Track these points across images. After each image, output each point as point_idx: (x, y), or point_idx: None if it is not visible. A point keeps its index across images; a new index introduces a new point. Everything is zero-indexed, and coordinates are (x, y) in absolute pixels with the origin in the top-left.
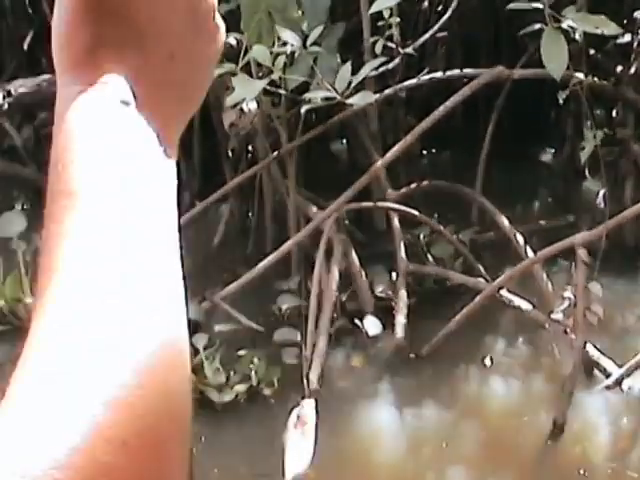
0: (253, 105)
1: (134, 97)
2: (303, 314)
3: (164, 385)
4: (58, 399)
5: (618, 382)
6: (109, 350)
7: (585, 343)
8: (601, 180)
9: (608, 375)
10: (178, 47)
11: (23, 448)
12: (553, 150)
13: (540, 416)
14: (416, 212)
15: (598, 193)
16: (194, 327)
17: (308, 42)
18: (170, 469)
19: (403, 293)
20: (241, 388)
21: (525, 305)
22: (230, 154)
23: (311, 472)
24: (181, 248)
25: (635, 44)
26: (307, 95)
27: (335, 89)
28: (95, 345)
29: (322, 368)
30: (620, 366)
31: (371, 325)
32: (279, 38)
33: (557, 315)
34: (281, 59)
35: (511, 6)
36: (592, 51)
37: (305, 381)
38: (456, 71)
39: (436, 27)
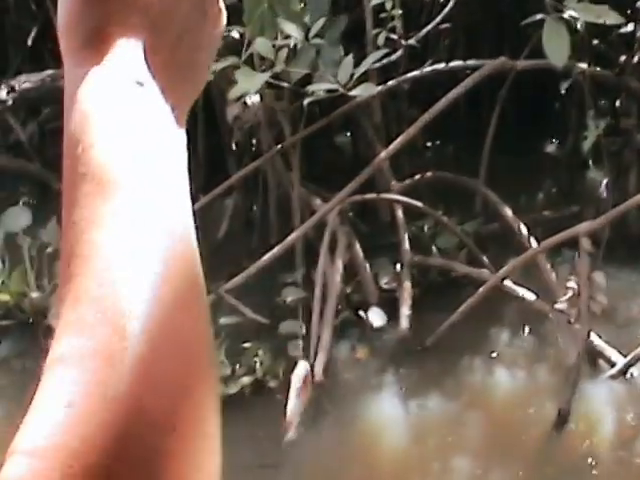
0: (256, 98)
1: (147, 77)
2: (308, 306)
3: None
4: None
5: (623, 372)
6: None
7: (589, 333)
8: (604, 170)
9: (613, 365)
10: (185, 28)
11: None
12: (557, 141)
13: (545, 406)
14: (420, 204)
15: (602, 183)
16: None
17: (310, 35)
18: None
19: (407, 285)
20: (246, 380)
21: (529, 295)
22: (234, 147)
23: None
24: None
25: (638, 33)
26: (310, 87)
27: (338, 81)
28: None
29: (327, 360)
30: (625, 355)
31: (376, 317)
32: (282, 31)
33: (561, 305)
34: (284, 52)
35: None
36: (595, 41)
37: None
38: (459, 62)
39: (438, 18)
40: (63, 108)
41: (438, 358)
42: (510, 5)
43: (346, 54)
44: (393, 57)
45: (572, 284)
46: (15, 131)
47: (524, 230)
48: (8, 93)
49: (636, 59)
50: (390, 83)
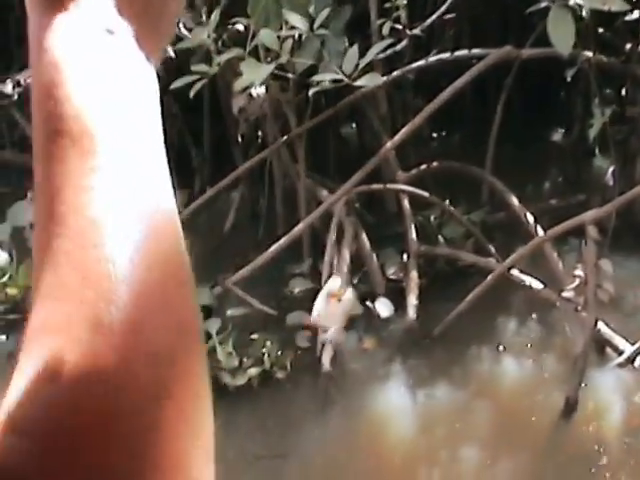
0: (262, 90)
1: (117, 25)
2: (315, 297)
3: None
4: None
5: (630, 359)
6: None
7: (596, 321)
8: (610, 158)
9: (620, 353)
10: None
11: None
12: (563, 129)
13: (552, 395)
14: (426, 193)
15: (608, 171)
16: (207, 312)
17: (315, 25)
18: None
19: (414, 274)
20: (254, 372)
21: (536, 284)
22: (240, 139)
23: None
24: (193, 234)
25: None
26: (315, 78)
27: (343, 72)
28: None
29: (334, 350)
30: (632, 343)
31: (383, 307)
32: (286, 22)
33: (568, 293)
34: (288, 43)
35: None
36: (601, 29)
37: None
38: (464, 52)
39: (443, 8)
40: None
41: (445, 348)
42: None
43: (351, 45)
44: (398, 47)
45: (579, 272)
46: (21, 126)
47: (531, 219)
48: (13, 88)
49: None
50: (395, 73)
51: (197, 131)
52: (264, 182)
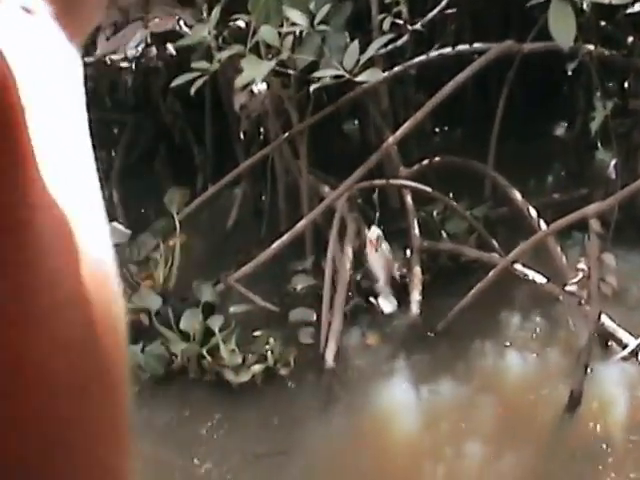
0: (263, 86)
1: (35, 4)
2: (318, 294)
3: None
4: None
5: (634, 353)
6: None
7: (600, 314)
8: (613, 151)
9: (624, 346)
10: None
11: None
12: (565, 123)
13: (556, 389)
14: (429, 189)
15: (610, 164)
16: (209, 309)
17: (315, 21)
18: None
19: (417, 270)
20: (257, 369)
21: (539, 278)
22: (242, 136)
23: None
24: (195, 231)
25: None
26: (316, 74)
27: (344, 67)
28: None
29: (338, 347)
30: (636, 337)
31: (386, 303)
32: (287, 18)
33: (571, 287)
34: (289, 39)
35: None
36: (603, 22)
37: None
38: (465, 46)
39: (444, 3)
40: None
41: (449, 343)
42: None
43: (352, 40)
44: (399, 42)
45: (582, 266)
46: None
47: (533, 213)
48: None
49: None
50: (397, 68)
51: (199, 128)
52: (266, 179)
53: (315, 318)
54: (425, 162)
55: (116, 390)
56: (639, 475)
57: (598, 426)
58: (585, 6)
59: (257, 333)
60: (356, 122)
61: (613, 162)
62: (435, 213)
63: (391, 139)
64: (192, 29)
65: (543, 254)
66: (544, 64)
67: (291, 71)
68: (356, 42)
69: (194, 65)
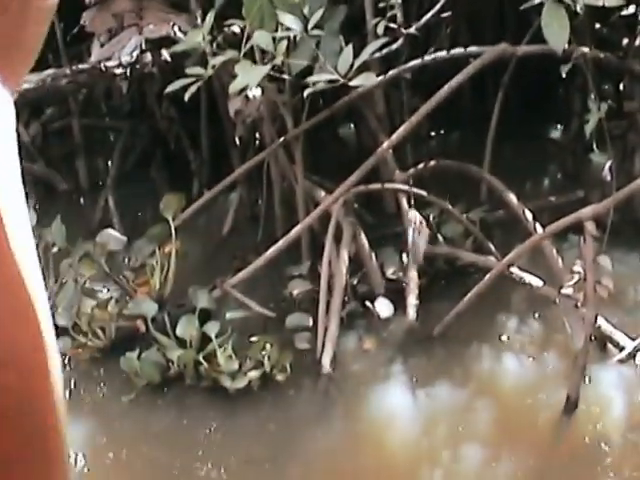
0: (258, 92)
1: None
2: (314, 298)
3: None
4: None
5: (631, 355)
6: None
7: (596, 317)
8: (608, 153)
9: (621, 349)
10: (7, 3)
11: None
12: (561, 126)
13: (554, 392)
14: (424, 193)
15: (605, 167)
16: (206, 315)
17: (309, 26)
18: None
19: (414, 274)
20: (254, 374)
21: (536, 281)
22: (237, 142)
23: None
24: (192, 236)
25: None
26: (310, 79)
27: (338, 72)
28: None
29: (334, 352)
30: (633, 339)
31: (382, 307)
32: (282, 23)
33: (567, 290)
34: (283, 44)
35: None
36: (598, 25)
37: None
38: (460, 50)
39: (437, 6)
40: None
41: (446, 347)
42: None
43: (347, 44)
44: (394, 46)
45: (578, 268)
46: (18, 132)
47: (529, 216)
48: None
49: (639, 42)
50: (392, 72)
51: (194, 134)
52: (262, 184)
53: (312, 323)
54: (421, 166)
55: (50, 457)
56: (637, 476)
57: (595, 428)
58: (579, 9)
59: (254, 339)
60: (352, 126)
61: (608, 164)
62: (431, 217)
63: (386, 143)
64: (186, 35)
65: (539, 257)
66: (540, 67)
67: (286, 76)
68: (350, 46)
69: (188, 71)
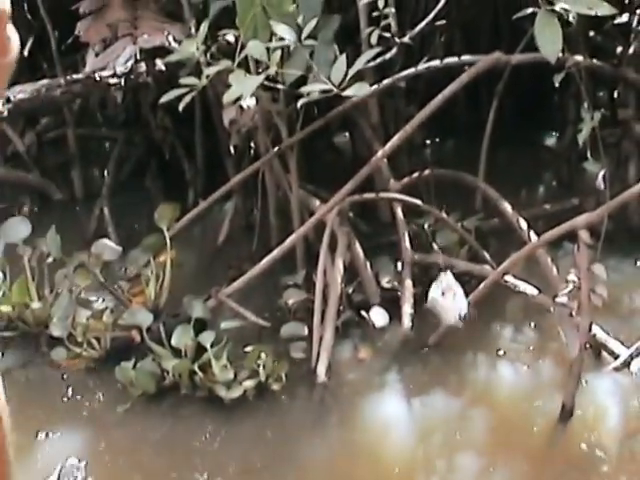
0: (252, 101)
1: None
2: (309, 308)
3: None
4: None
5: (626, 363)
6: None
7: (591, 325)
8: (602, 162)
9: (616, 357)
10: None
11: None
12: (556, 134)
13: (549, 400)
14: (419, 201)
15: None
16: (201, 325)
17: (303, 35)
18: None
19: (409, 283)
20: (249, 384)
21: (531, 290)
22: (232, 151)
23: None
24: (187, 246)
25: (634, 23)
26: (304, 89)
27: (332, 82)
28: None
29: (329, 361)
30: (628, 347)
31: (378, 316)
32: (275, 33)
33: (562, 298)
34: (277, 54)
35: None
36: (592, 33)
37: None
38: (454, 59)
39: (431, 15)
40: (60, 118)
41: (441, 356)
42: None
43: (341, 54)
44: (388, 56)
45: (572, 277)
46: (13, 142)
47: (524, 225)
48: (3, 104)
49: (632, 50)
50: (386, 81)
51: (189, 144)
52: (257, 193)
53: (307, 332)
54: (415, 175)
55: None
56: None
57: (591, 437)
58: (571, 18)
59: (249, 348)
60: (346, 135)
61: (602, 172)
62: (426, 225)
63: (381, 152)
64: (181, 44)
65: (534, 265)
66: (534, 75)
67: (280, 86)
68: (343, 56)
69: (183, 81)
